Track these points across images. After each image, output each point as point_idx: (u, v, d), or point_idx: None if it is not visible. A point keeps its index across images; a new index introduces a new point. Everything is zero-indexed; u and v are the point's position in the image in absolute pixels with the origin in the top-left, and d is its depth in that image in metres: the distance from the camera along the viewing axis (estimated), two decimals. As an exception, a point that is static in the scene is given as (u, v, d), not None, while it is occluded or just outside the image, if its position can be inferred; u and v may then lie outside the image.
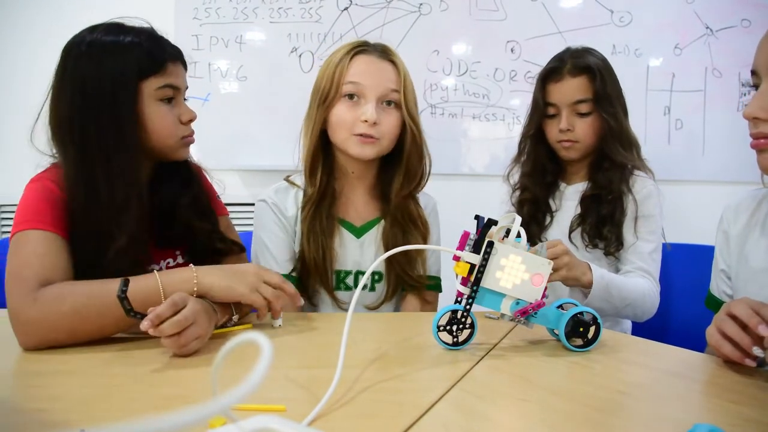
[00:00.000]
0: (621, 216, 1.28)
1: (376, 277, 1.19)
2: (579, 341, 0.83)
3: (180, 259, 1.06)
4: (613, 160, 1.29)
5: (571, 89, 1.28)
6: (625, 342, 0.89)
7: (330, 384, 0.63)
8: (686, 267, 1.50)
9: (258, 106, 2.19)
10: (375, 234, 1.20)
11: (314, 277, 1.15)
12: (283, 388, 0.66)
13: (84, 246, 0.89)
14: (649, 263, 1.26)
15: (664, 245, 1.33)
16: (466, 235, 0.80)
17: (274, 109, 2.17)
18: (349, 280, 1.18)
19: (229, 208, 1.19)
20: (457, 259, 0.79)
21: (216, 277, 0.87)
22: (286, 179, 1.22)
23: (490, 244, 0.78)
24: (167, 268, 1.04)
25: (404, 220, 1.19)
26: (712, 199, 2.17)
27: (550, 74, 1.31)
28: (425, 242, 1.20)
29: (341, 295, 1.17)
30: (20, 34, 2.15)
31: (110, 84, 0.89)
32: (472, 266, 0.79)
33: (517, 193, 1.41)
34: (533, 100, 1.36)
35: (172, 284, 0.84)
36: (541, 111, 1.34)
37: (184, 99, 1.00)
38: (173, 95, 0.96)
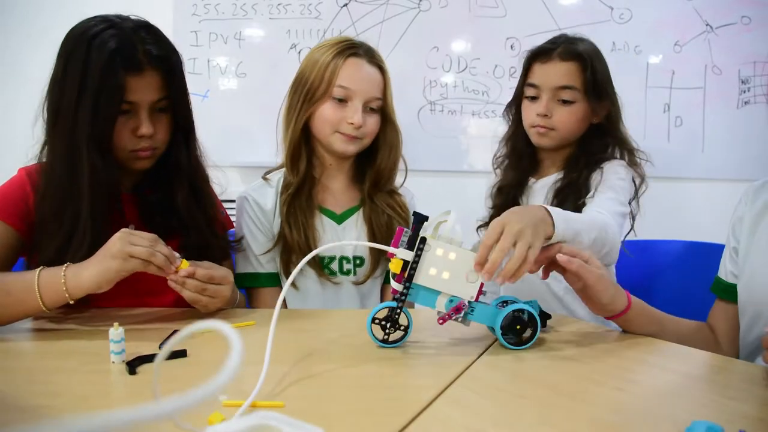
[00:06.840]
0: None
1: (357, 262, 1.22)
2: (516, 338, 0.81)
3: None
4: (592, 156, 1.21)
5: (557, 72, 1.21)
6: (623, 339, 0.89)
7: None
8: (686, 264, 1.49)
9: (257, 103, 2.18)
10: (356, 219, 1.24)
11: (298, 259, 1.15)
12: (282, 385, 0.66)
13: (41, 240, 0.92)
14: (607, 206, 1.09)
15: (643, 242, 1.28)
16: (400, 231, 0.78)
17: (274, 106, 2.13)
18: (334, 266, 1.21)
19: (227, 205, 1.21)
20: (392, 256, 0.78)
21: (89, 267, 0.82)
22: (264, 177, 1.25)
23: (423, 240, 0.77)
24: None
25: (384, 206, 1.23)
26: (711, 196, 2.18)
27: (539, 54, 1.24)
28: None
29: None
30: (20, 29, 2.15)
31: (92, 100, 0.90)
32: (406, 263, 0.78)
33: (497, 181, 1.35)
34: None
35: (45, 281, 0.82)
36: (520, 90, 1.27)
37: (159, 109, 0.98)
38: (129, 108, 0.95)
